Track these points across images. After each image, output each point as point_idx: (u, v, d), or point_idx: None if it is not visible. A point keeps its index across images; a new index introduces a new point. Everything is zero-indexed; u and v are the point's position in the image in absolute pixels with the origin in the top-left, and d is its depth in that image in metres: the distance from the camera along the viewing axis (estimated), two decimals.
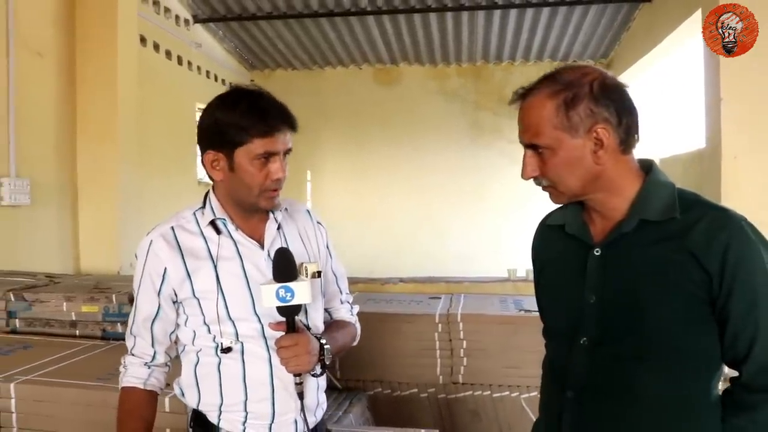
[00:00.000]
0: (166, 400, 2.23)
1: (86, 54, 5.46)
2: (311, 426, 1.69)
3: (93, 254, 5.49)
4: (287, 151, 1.64)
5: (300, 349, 1.56)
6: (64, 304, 3.24)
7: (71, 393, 2.43)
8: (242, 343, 1.65)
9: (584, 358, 1.44)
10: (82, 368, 2.67)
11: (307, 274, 1.64)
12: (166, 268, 1.66)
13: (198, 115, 8.07)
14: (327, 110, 10.03)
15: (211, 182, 1.74)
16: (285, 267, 1.56)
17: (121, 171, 5.54)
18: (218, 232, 1.69)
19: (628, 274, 1.39)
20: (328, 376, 1.92)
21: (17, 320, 3.28)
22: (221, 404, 1.67)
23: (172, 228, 1.70)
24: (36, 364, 2.67)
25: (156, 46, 7.03)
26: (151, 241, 1.68)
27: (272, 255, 1.62)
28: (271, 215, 1.72)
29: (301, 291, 1.54)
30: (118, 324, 3.15)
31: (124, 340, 1.79)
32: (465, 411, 3.09)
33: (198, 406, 1.70)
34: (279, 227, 1.74)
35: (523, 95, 1.41)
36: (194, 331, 1.68)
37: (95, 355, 2.89)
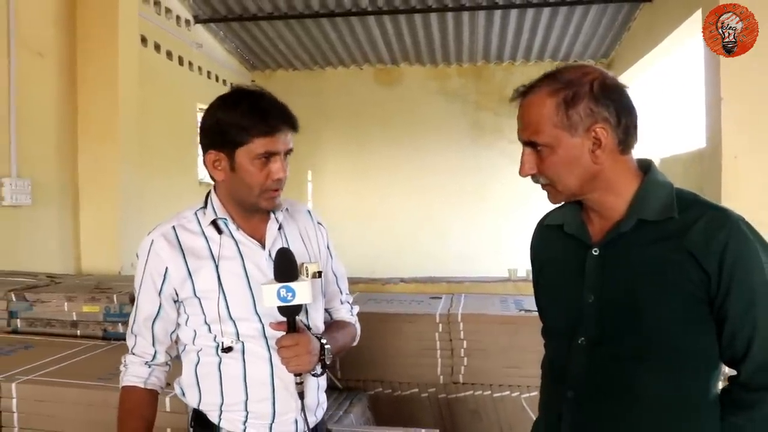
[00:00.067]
0: (167, 399, 2.23)
1: (87, 54, 5.47)
2: (312, 426, 1.69)
3: (94, 254, 5.50)
4: (288, 152, 1.64)
5: (301, 349, 1.57)
6: (65, 304, 3.24)
7: (72, 393, 2.43)
8: (243, 342, 1.65)
9: (583, 358, 1.44)
10: (83, 368, 2.67)
11: (307, 274, 1.64)
12: (167, 268, 1.66)
13: (199, 115, 8.13)
14: (328, 110, 10.04)
15: (212, 183, 1.75)
16: (286, 267, 1.57)
17: (122, 171, 5.55)
18: (219, 231, 1.69)
19: (626, 273, 1.40)
20: (328, 375, 1.93)
21: (18, 320, 3.29)
22: (222, 404, 1.67)
23: (174, 227, 1.70)
24: (37, 364, 2.67)
25: (157, 47, 7.04)
26: (153, 240, 1.69)
27: (273, 255, 1.62)
28: (272, 215, 1.72)
29: (302, 291, 1.54)
30: (119, 324, 3.15)
31: (125, 340, 1.80)
32: (465, 411, 3.09)
33: (199, 405, 1.71)
34: (280, 227, 1.74)
35: (524, 93, 1.42)
36: (195, 331, 1.69)
37: (96, 355, 2.89)
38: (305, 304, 1.61)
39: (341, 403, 2.89)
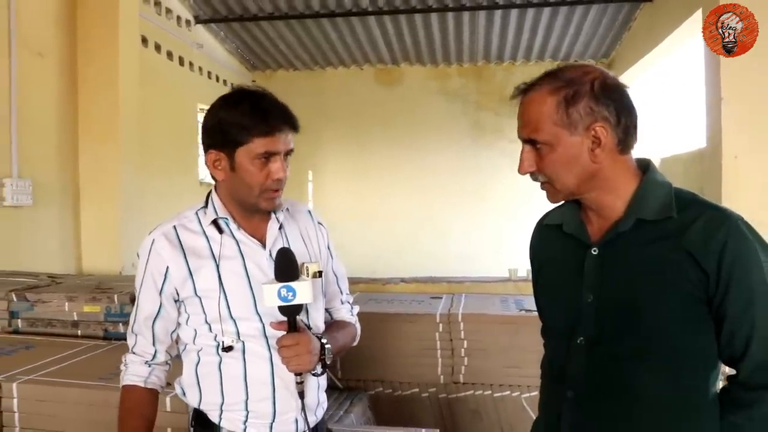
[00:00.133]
0: (168, 399, 2.23)
1: (88, 54, 5.47)
2: (312, 425, 1.69)
3: (95, 254, 5.51)
4: (288, 152, 1.65)
5: (301, 349, 1.57)
6: (66, 304, 3.25)
7: (73, 393, 2.44)
8: (243, 342, 1.65)
9: (582, 358, 1.44)
10: (84, 368, 2.68)
11: (308, 273, 1.65)
12: (168, 267, 1.67)
13: (200, 115, 8.14)
14: (328, 110, 10.05)
15: (212, 183, 1.75)
16: (287, 267, 1.57)
17: (123, 171, 5.56)
18: (220, 231, 1.70)
19: (625, 273, 1.40)
20: (328, 375, 1.93)
21: (19, 320, 3.29)
22: (222, 403, 1.68)
23: (175, 227, 1.71)
24: (38, 364, 2.67)
25: (157, 47, 7.05)
26: (154, 240, 1.69)
27: (274, 255, 1.63)
28: (272, 215, 1.73)
29: (302, 291, 1.55)
30: (120, 324, 3.16)
31: (125, 340, 1.80)
32: (466, 410, 3.09)
33: (199, 405, 1.71)
34: (281, 227, 1.75)
35: (525, 90, 1.42)
36: (195, 330, 1.69)
37: (97, 355, 2.89)
38: (306, 304, 1.61)
39: (342, 402, 2.89)
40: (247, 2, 7.96)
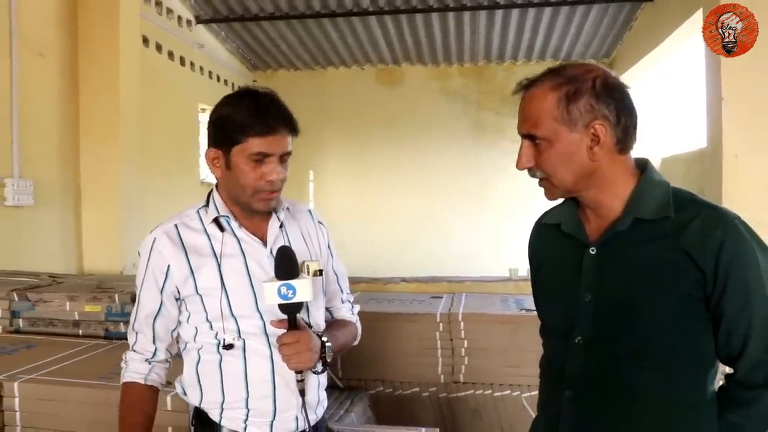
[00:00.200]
0: (168, 398, 2.24)
1: (89, 54, 5.48)
2: (312, 423, 1.70)
3: (96, 254, 5.52)
4: (285, 155, 1.64)
5: (301, 346, 1.58)
6: (67, 303, 3.25)
7: (74, 392, 2.45)
8: (244, 340, 1.66)
9: (580, 357, 1.44)
10: (85, 367, 2.68)
11: (308, 272, 1.65)
12: (169, 266, 1.67)
13: (200, 115, 8.13)
14: (329, 110, 10.05)
15: (213, 183, 1.76)
16: (287, 265, 1.57)
17: (124, 171, 5.57)
18: (222, 229, 1.70)
19: (623, 272, 1.40)
20: (329, 374, 1.93)
21: (21, 320, 3.30)
22: (223, 402, 1.68)
23: (176, 226, 1.71)
24: (39, 363, 2.68)
25: (158, 47, 7.05)
26: (155, 238, 1.70)
27: (275, 253, 1.63)
28: (273, 214, 1.73)
29: (302, 288, 1.55)
30: (121, 323, 3.16)
31: (126, 339, 1.81)
32: (466, 410, 3.10)
33: (200, 404, 1.72)
34: (281, 225, 1.75)
35: (527, 86, 1.43)
36: (196, 328, 1.70)
37: (98, 354, 2.90)
38: (306, 302, 1.62)
39: (342, 402, 2.89)
40: (248, 2, 7.96)
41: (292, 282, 1.55)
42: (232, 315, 1.65)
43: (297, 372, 1.61)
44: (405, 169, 10.11)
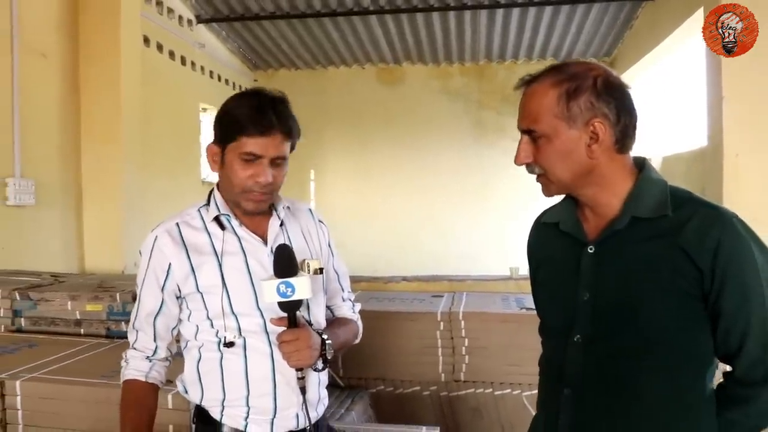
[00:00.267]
0: (169, 396, 2.25)
1: (89, 55, 5.49)
2: (313, 420, 1.70)
3: (97, 254, 5.53)
4: (278, 158, 1.63)
5: (301, 344, 1.58)
6: (69, 303, 3.26)
7: (76, 390, 2.45)
8: (245, 338, 1.67)
9: (579, 356, 1.44)
10: (86, 366, 2.69)
11: (309, 270, 1.66)
12: (170, 264, 1.68)
13: (201, 115, 8.11)
14: (330, 110, 10.06)
15: (214, 182, 1.77)
16: (285, 263, 1.58)
17: (125, 171, 5.57)
18: (222, 227, 1.71)
19: (621, 271, 1.40)
20: (330, 373, 1.94)
21: (22, 319, 3.31)
22: (224, 399, 1.69)
23: (177, 224, 1.72)
24: (41, 362, 2.69)
25: (159, 47, 7.06)
26: (156, 237, 1.71)
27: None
28: (273, 212, 1.74)
29: (301, 286, 1.55)
30: (122, 323, 3.17)
31: (127, 337, 1.81)
32: (467, 408, 3.10)
33: (201, 402, 1.72)
34: (282, 224, 1.76)
35: (528, 82, 1.43)
36: (197, 326, 1.70)
37: (99, 353, 2.91)
38: (306, 300, 1.62)
39: (343, 400, 2.90)
40: (248, 2, 7.97)
41: (291, 280, 1.55)
42: (233, 313, 1.66)
43: (297, 370, 1.61)
44: (406, 168, 10.11)
